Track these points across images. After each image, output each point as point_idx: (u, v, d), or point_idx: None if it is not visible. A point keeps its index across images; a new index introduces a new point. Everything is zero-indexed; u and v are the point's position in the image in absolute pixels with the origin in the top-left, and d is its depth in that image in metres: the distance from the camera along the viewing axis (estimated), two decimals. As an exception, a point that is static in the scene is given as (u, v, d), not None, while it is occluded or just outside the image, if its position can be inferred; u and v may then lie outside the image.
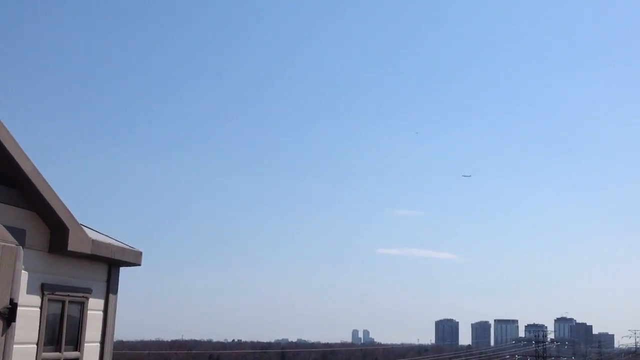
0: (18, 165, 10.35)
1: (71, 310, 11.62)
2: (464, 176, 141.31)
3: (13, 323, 10.33)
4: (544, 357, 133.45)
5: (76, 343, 11.76)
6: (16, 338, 10.41)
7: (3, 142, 10.07)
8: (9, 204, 10.52)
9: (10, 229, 10.47)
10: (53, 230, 11.04)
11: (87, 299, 11.94)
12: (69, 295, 11.47)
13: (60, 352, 11.41)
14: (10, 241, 10.41)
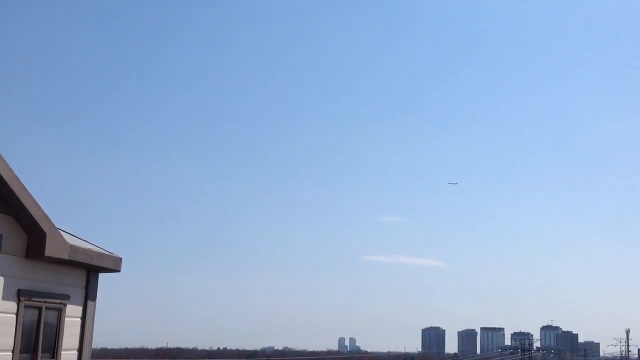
0: (-6, 169, 10.15)
1: (48, 316, 11.41)
2: (450, 184, 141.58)
3: (-13, 330, 10.11)
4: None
5: (53, 350, 11.54)
6: (-10, 345, 10.19)
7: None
8: (-16, 208, 10.31)
9: (-15, 234, 10.26)
10: (30, 235, 10.84)
11: (65, 305, 11.74)
12: (46, 302, 11.27)
13: (36, 359, 11.19)
14: (-15, 246, 10.20)
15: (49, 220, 10.86)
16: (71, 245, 11.34)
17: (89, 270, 12.32)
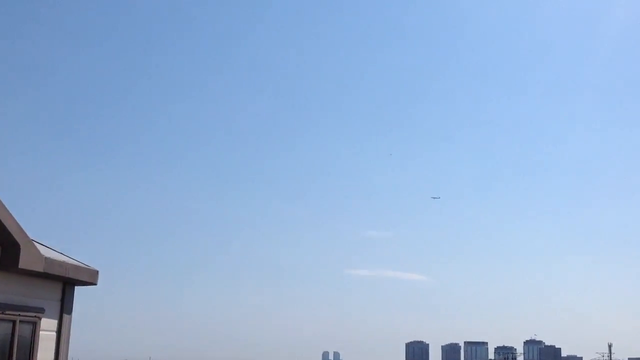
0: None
1: (22, 330, 11.21)
2: (433, 198, 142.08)
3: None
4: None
5: (27, 364, 11.33)
6: (-39, 359, 10.00)
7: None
8: (-44, 219, 10.14)
9: (-44, 245, 10.09)
10: (3, 246, 10.66)
11: (40, 318, 11.55)
12: (20, 315, 11.07)
13: (9, 374, 10.99)
14: (-44, 258, 10.02)
15: (23, 232, 10.69)
16: (46, 258, 11.16)
17: (65, 283, 12.14)
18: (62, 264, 11.65)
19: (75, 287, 12.48)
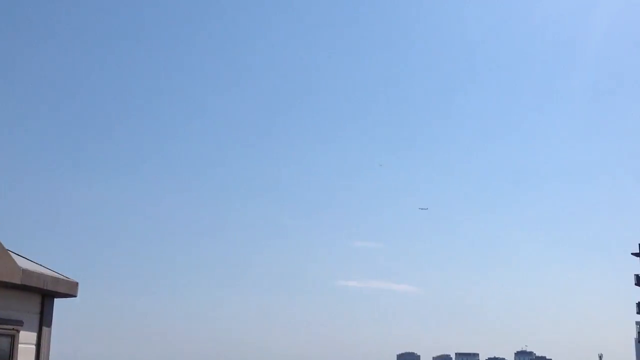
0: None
1: (0, 343, 11.07)
2: (421, 209, 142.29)
3: None
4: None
5: (4, 378, 11.18)
6: None
7: None
8: None
9: None
10: (-21, 258, 10.54)
11: (18, 331, 11.40)
12: (-4, 328, 10.93)
13: (-14, 388, 10.83)
14: None
15: None
16: (23, 270, 11.04)
17: (44, 295, 12.00)
18: (40, 275, 11.52)
19: (55, 299, 12.35)
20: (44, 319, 12.06)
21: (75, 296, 12.52)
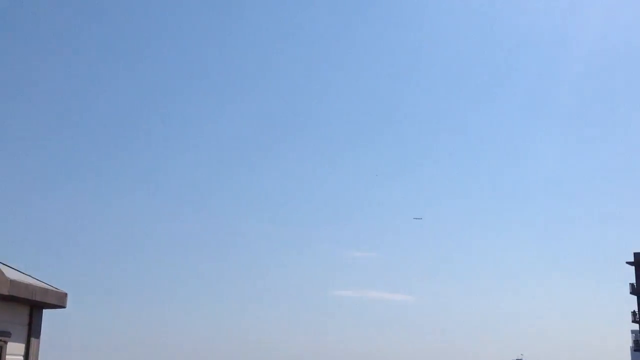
0: None
1: (-12, 355, 10.97)
2: (415, 219, 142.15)
3: None
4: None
5: (-9, 390, 11.08)
6: None
7: None
8: None
9: None
10: (-34, 269, 10.47)
11: (6, 343, 11.32)
12: (-17, 339, 10.84)
13: (-27, 400, 10.74)
14: None
15: (-13, 254, 10.50)
16: (11, 280, 10.96)
17: (32, 306, 11.92)
18: (28, 286, 11.45)
19: (44, 310, 12.27)
20: (33, 331, 11.99)
21: (64, 307, 12.45)
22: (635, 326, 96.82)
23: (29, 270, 12.14)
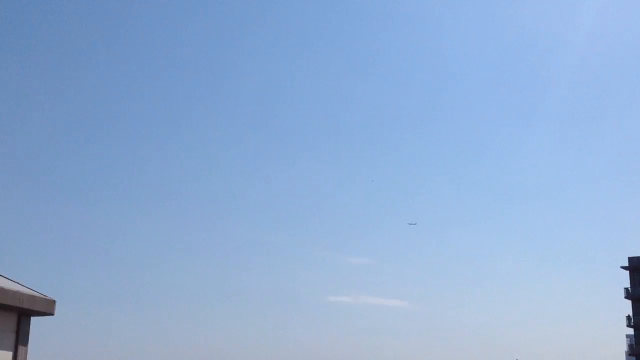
0: None
1: (-26, 363, 10.87)
2: (410, 224, 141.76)
3: None
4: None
5: (-22, 399, 10.98)
6: None
7: None
8: None
9: None
10: (-47, 277, 10.38)
11: (-7, 351, 11.21)
12: (-30, 347, 10.75)
13: (-40, 409, 10.63)
14: None
15: (-27, 261, 10.40)
16: (-2, 288, 10.87)
17: (20, 313, 11.82)
18: (16, 293, 11.36)
19: (32, 317, 12.17)
20: (20, 338, 11.89)
21: (52, 314, 12.34)
22: (630, 330, 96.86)
23: (17, 278, 12.05)
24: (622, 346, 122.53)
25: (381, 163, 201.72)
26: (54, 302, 12.27)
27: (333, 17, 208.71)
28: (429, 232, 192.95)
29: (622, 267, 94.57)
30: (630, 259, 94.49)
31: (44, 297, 12.11)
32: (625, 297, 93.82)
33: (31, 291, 11.93)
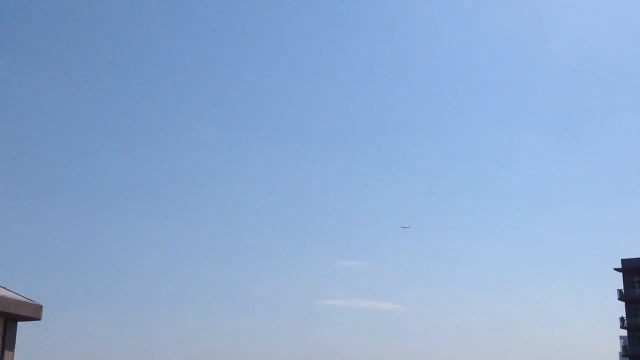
0: None
1: (-40, 369, 10.76)
2: (403, 227, 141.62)
3: None
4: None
5: (-38, 405, 10.87)
6: None
7: None
8: None
9: None
10: (-63, 282, 10.26)
11: (-21, 356, 11.10)
12: (-45, 353, 10.63)
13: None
14: None
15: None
16: (-17, 292, 10.76)
17: (6, 318, 11.71)
18: (2, 298, 11.25)
19: (18, 322, 12.05)
20: (7, 343, 11.77)
21: (39, 319, 12.23)
22: (624, 332, 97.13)
23: (3, 282, 11.94)
24: (616, 347, 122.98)
25: (375, 167, 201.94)
26: (40, 307, 12.16)
27: (325, 21, 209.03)
28: (423, 235, 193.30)
29: (615, 269, 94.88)
30: (624, 261, 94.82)
31: (30, 302, 12.00)
32: (619, 299, 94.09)
33: (17, 296, 11.82)
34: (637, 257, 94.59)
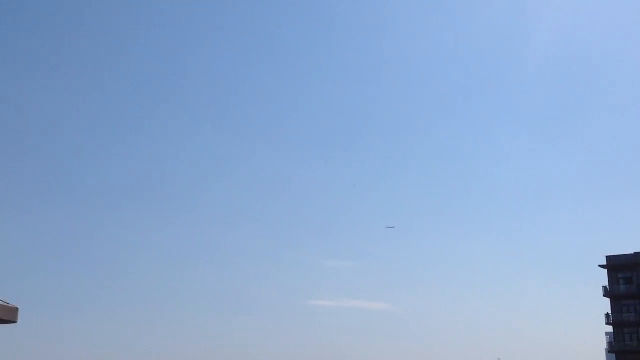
0: None
1: None
2: (388, 227, 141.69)
3: None
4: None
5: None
6: None
7: None
8: None
9: None
10: None
11: (-47, 361, 10.90)
12: None
13: None
14: None
15: None
16: (-44, 295, 10.54)
17: (-19, 322, 11.49)
18: (-25, 301, 11.03)
19: (-7, 326, 11.84)
20: (-18, 347, 11.54)
21: (15, 322, 12.03)
22: (610, 328, 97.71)
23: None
24: (602, 344, 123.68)
25: (363, 167, 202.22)
26: (16, 309, 11.95)
27: (320, 25, 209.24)
28: (412, 235, 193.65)
29: (600, 266, 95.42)
30: (608, 258, 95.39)
31: (5, 304, 11.80)
32: (604, 296, 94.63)
33: (-8, 299, 11.62)
34: (621, 254, 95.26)
